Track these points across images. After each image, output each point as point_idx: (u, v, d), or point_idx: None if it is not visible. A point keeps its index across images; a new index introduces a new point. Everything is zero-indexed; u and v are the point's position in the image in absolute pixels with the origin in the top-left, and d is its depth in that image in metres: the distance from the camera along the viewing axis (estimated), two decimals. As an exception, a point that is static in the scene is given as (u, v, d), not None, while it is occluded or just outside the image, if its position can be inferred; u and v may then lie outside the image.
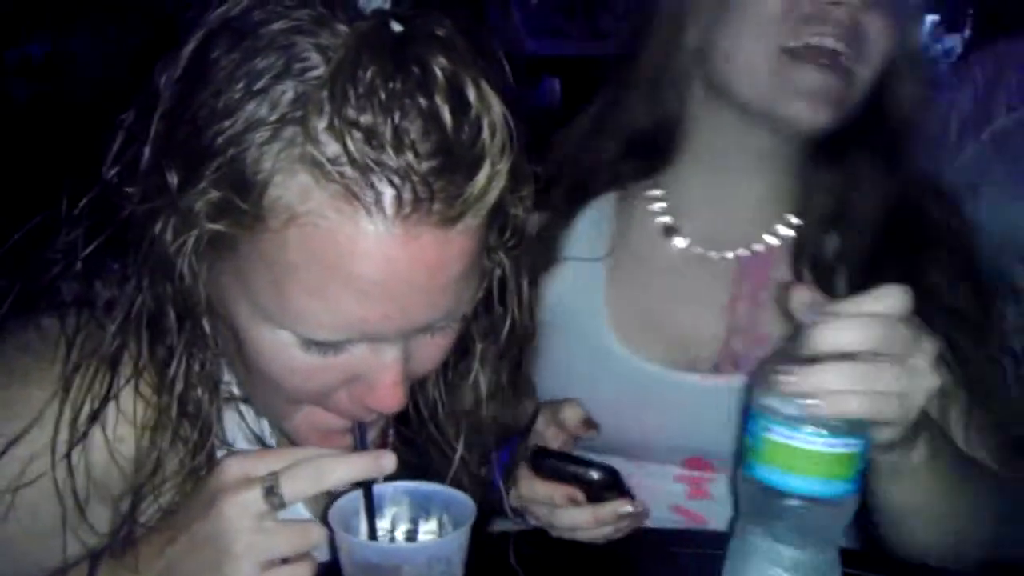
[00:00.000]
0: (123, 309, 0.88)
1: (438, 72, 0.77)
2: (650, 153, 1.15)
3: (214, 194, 0.78)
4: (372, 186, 0.76)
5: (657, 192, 1.18)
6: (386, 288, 0.79)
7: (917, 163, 1.14)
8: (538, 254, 1.15)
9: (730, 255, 1.15)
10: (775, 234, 1.15)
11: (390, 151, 0.75)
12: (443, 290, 0.81)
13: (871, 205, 1.11)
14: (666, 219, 1.16)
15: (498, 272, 0.91)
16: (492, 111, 0.79)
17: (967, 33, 7.76)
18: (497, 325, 0.96)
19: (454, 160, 0.77)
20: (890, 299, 0.85)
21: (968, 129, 1.67)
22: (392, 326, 0.82)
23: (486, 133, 0.78)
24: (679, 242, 1.14)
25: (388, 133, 0.75)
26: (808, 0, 1.05)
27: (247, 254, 0.80)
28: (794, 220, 1.14)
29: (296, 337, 0.83)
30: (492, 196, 0.80)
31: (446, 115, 0.76)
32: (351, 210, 0.76)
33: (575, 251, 1.18)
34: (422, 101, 0.76)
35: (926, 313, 0.98)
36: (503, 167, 0.80)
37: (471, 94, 0.78)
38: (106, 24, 2.37)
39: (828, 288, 1.08)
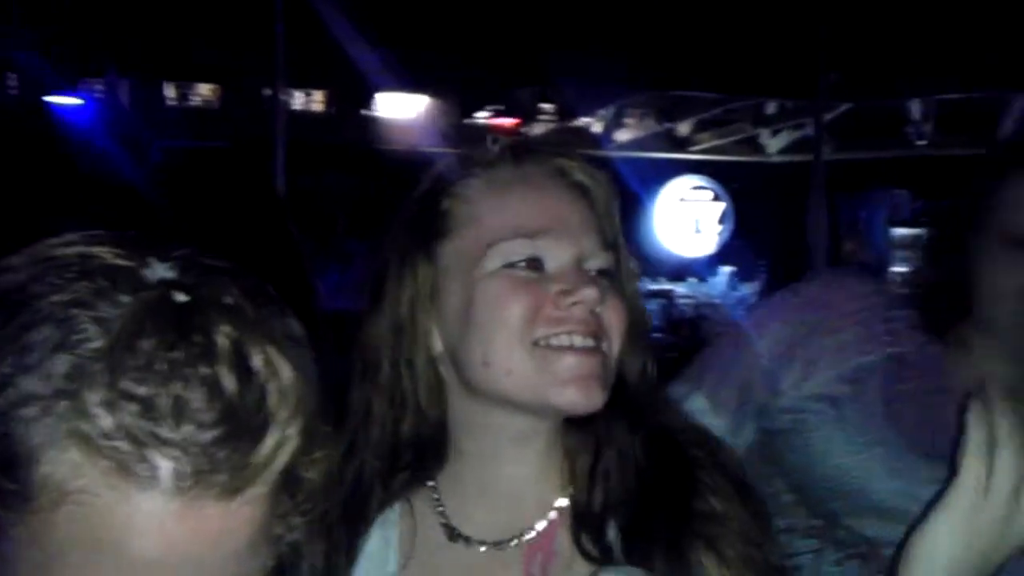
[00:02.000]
0: None
1: (222, 340, 0.74)
2: (419, 461, 1.16)
3: None
4: (148, 460, 0.72)
5: (436, 496, 1.17)
6: (164, 566, 0.75)
7: (661, 415, 1.21)
8: None
9: (514, 543, 1.15)
10: (553, 507, 1.16)
11: (168, 423, 0.72)
12: (226, 561, 0.78)
13: (624, 460, 1.16)
14: (447, 521, 1.17)
15: (290, 537, 0.86)
16: (280, 376, 0.76)
17: (761, 282, 8.21)
18: None
19: (238, 428, 0.74)
20: None
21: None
22: None
23: (273, 399, 0.75)
24: (463, 543, 1.14)
25: (167, 404, 0.72)
26: (550, 305, 1.09)
27: (15, 537, 0.75)
28: (566, 492, 1.17)
29: None
30: (280, 463, 0.77)
31: (229, 383, 0.73)
32: (125, 486, 0.72)
33: (364, 570, 1.17)
34: (204, 370, 0.73)
35: (710, 536, 1.06)
36: (292, 432, 0.76)
37: (257, 361, 0.75)
38: None
39: (602, 545, 1.11)
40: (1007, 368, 1.50)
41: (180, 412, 0.72)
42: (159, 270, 0.77)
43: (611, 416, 1.15)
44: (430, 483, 1.16)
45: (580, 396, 1.08)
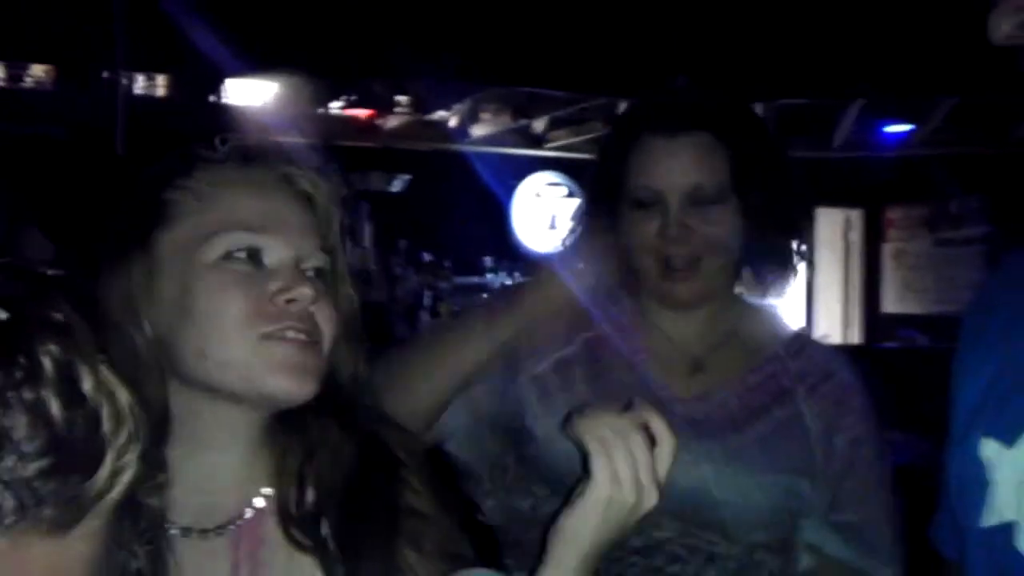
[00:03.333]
0: None
1: (48, 362, 0.67)
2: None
3: None
4: None
5: (161, 479, 1.20)
6: None
7: (370, 416, 1.30)
8: None
9: (219, 531, 1.19)
10: (261, 497, 1.22)
11: None
12: None
13: (335, 459, 1.23)
14: (162, 507, 1.20)
15: (134, 565, 0.80)
16: (115, 399, 0.70)
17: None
18: None
19: (67, 458, 0.67)
20: None
21: None
22: None
23: (107, 425, 0.69)
24: (174, 528, 1.15)
25: None
26: (269, 303, 1.15)
27: None
28: (271, 484, 1.24)
29: None
30: (117, 492, 0.70)
31: (56, 409, 0.66)
32: None
33: None
34: (27, 395, 0.66)
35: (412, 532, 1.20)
36: (130, 459, 0.70)
37: (88, 383, 0.68)
38: None
39: (316, 538, 1.19)
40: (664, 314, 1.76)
41: (0, 443, 0.65)
42: None
43: (323, 415, 1.21)
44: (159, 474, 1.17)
45: (294, 384, 1.14)
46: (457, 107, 8.44)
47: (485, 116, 8.68)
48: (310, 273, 1.19)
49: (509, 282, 8.23)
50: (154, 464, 0.76)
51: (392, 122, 8.43)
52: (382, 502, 1.21)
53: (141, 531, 0.79)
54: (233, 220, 1.16)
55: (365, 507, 1.20)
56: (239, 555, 1.18)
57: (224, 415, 1.19)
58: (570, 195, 8.96)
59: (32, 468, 0.66)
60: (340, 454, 1.22)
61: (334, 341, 1.21)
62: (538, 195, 8.93)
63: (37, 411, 0.66)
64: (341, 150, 8.16)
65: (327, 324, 1.19)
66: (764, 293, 1.83)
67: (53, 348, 0.67)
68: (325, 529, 1.19)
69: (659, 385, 1.73)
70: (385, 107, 8.34)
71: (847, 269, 9.73)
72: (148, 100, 7.66)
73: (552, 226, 8.95)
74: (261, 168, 1.22)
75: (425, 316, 7.07)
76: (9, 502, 0.65)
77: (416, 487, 1.24)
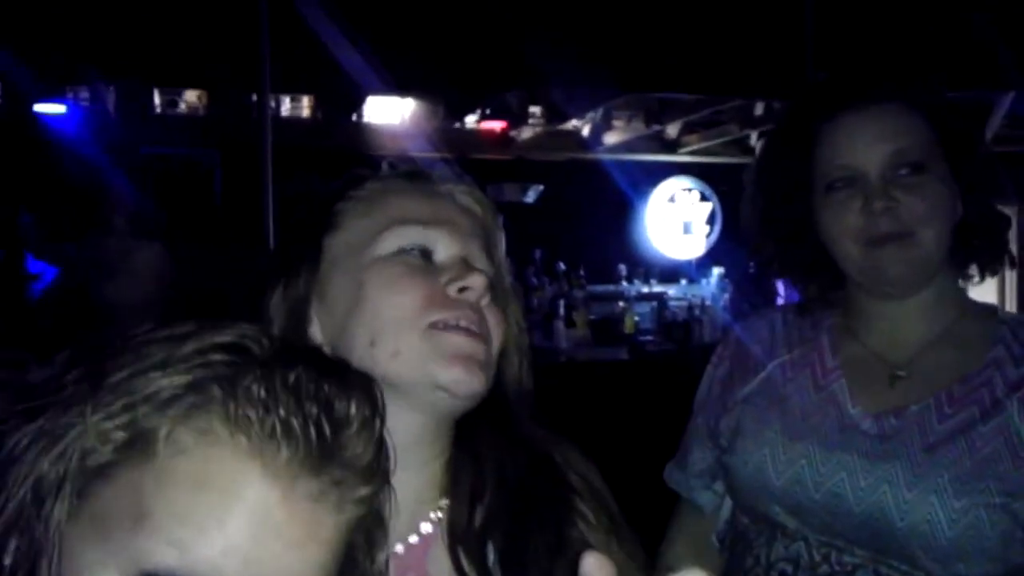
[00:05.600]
0: None
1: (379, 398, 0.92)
2: None
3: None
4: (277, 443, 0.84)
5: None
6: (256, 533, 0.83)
7: (534, 431, 1.24)
8: None
9: (384, 556, 1.14)
10: (428, 522, 1.19)
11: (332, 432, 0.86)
12: (305, 558, 0.85)
13: (502, 476, 1.18)
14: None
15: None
16: (383, 447, 0.92)
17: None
18: None
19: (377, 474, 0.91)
20: None
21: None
22: None
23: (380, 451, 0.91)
24: None
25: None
26: (441, 292, 1.15)
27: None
28: (443, 503, 1.20)
29: None
30: (365, 497, 0.89)
31: (354, 419, 0.89)
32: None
33: None
34: (377, 426, 0.91)
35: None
36: (378, 484, 0.91)
37: (377, 424, 0.91)
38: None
39: (481, 560, 1.13)
40: (867, 304, 1.61)
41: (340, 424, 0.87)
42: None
43: (490, 429, 1.19)
44: None
45: (464, 373, 1.12)
46: (590, 116, 8.46)
47: (618, 123, 8.67)
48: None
49: (644, 289, 8.19)
50: (380, 519, 0.93)
51: (526, 133, 8.52)
52: (550, 530, 1.14)
53: (362, 561, 0.93)
54: (405, 217, 1.18)
55: (531, 534, 1.14)
56: None
57: (396, 421, 1.13)
58: (704, 199, 8.86)
59: (357, 469, 0.87)
60: (506, 471, 1.18)
61: (502, 347, 1.19)
62: (672, 200, 8.87)
63: (374, 441, 0.90)
64: (476, 163, 8.30)
65: (496, 326, 1.18)
66: (977, 277, 1.64)
67: (371, 400, 0.91)
68: (491, 556, 1.14)
69: (848, 403, 1.59)
70: (519, 119, 8.43)
71: (1002, 271, 9.28)
72: (293, 121, 7.98)
73: (687, 231, 8.87)
74: (424, 182, 1.25)
75: (560, 326, 7.09)
76: (300, 454, 0.84)
77: (590, 519, 1.17)
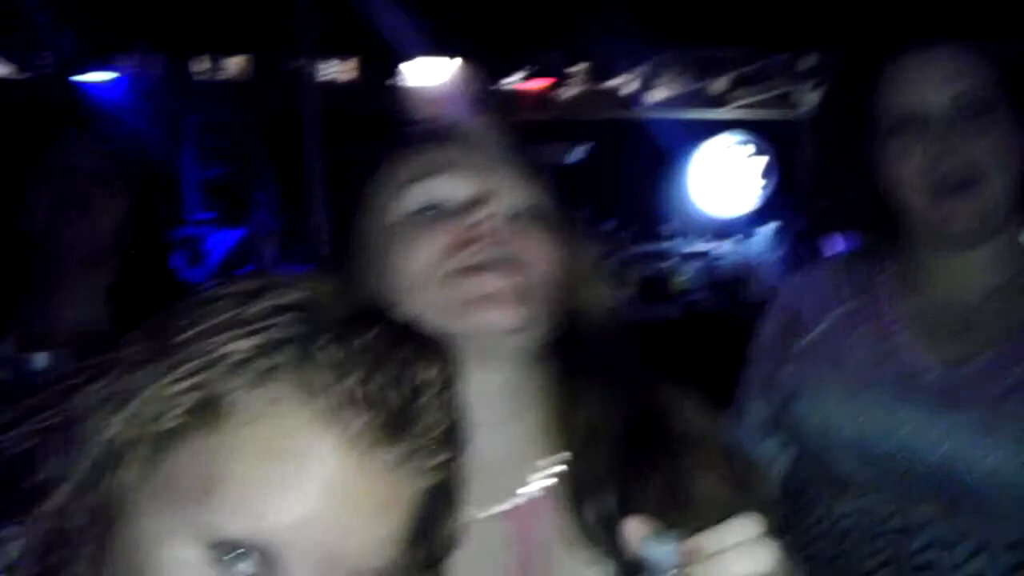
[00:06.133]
0: None
1: (448, 371, 0.92)
2: None
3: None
4: (352, 415, 0.84)
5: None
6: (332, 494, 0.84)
7: (636, 375, 1.18)
8: None
9: (499, 510, 1.14)
10: (535, 476, 1.16)
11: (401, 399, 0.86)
12: (374, 522, 0.86)
13: (603, 427, 1.13)
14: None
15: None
16: (459, 436, 0.94)
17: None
18: None
19: (452, 438, 0.91)
20: (749, 527, 0.85)
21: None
22: None
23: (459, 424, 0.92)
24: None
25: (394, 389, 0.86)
26: (455, 238, 1.11)
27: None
28: (551, 457, 1.16)
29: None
30: (431, 467, 0.89)
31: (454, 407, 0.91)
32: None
33: None
34: (446, 395, 0.91)
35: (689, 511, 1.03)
36: (446, 458, 0.90)
37: (452, 404, 0.92)
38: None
39: (594, 519, 1.09)
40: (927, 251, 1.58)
41: (412, 399, 0.86)
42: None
43: (585, 378, 1.14)
44: None
45: (493, 313, 1.08)
46: (634, 72, 8.36)
47: (662, 80, 8.56)
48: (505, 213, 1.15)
49: (692, 248, 8.11)
50: (453, 507, 0.94)
51: (569, 92, 8.44)
52: (663, 485, 1.09)
53: (427, 556, 0.92)
54: (410, 177, 1.18)
55: (642, 490, 1.09)
56: (522, 538, 1.12)
57: (470, 378, 1.08)
58: (757, 153, 8.73)
59: (433, 435, 0.87)
60: (608, 423, 1.13)
61: (564, 276, 1.15)
62: (723, 156, 8.75)
63: (450, 407, 0.89)
64: (520, 124, 8.22)
65: (536, 248, 1.14)
66: None
67: (445, 364, 0.90)
68: (608, 508, 1.09)
69: (912, 353, 1.56)
70: (561, 77, 8.35)
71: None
72: (335, 86, 7.98)
73: (738, 187, 8.75)
74: (435, 137, 1.24)
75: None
76: (377, 426, 0.83)
77: (711, 472, 1.12)
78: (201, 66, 7.72)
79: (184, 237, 6.45)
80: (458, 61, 7.84)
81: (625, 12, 6.01)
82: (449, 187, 1.16)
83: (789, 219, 8.19)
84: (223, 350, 0.84)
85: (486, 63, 7.96)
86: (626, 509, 1.05)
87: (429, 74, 7.95)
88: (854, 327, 1.64)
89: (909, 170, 1.52)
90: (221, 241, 6.46)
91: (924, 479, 1.47)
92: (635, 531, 0.88)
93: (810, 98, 8.83)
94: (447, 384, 0.89)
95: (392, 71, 7.95)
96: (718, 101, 8.77)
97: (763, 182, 8.73)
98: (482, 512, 1.12)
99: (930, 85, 1.51)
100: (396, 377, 0.84)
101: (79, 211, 2.20)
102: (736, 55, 8.02)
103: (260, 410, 0.82)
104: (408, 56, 7.37)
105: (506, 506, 1.13)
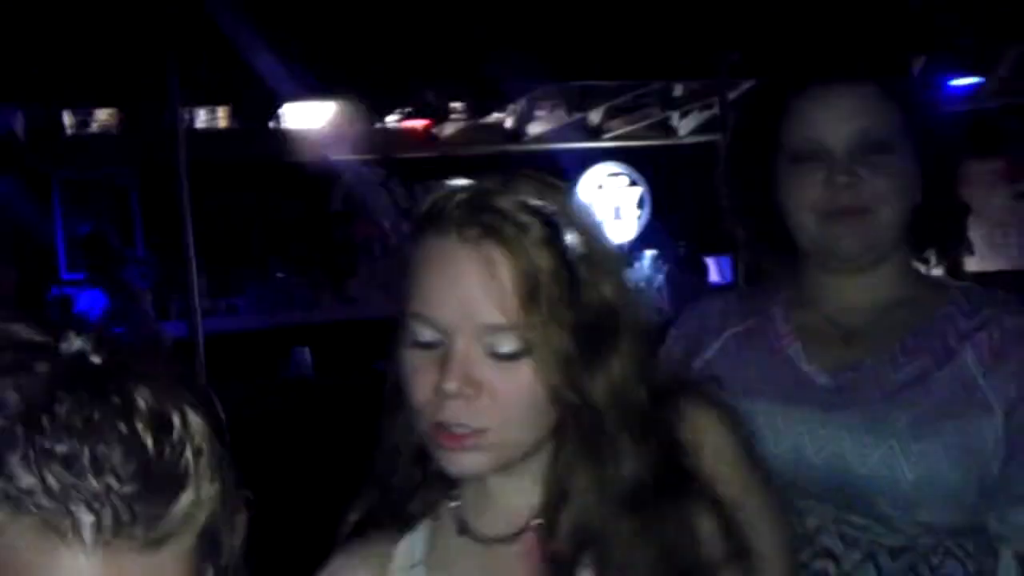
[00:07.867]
0: None
1: (140, 401, 0.79)
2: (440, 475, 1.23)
3: None
4: (70, 513, 0.75)
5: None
6: None
7: (639, 442, 1.17)
8: None
9: (515, 538, 1.20)
10: (528, 529, 1.18)
11: (89, 477, 0.75)
12: None
13: (591, 490, 1.15)
14: (462, 516, 1.24)
15: None
16: (197, 439, 0.81)
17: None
18: None
19: (157, 483, 0.78)
20: None
21: None
22: None
23: (190, 457, 0.80)
24: (471, 536, 1.21)
25: (86, 460, 0.75)
26: (432, 391, 1.12)
27: None
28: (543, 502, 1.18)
29: None
30: (200, 519, 0.80)
31: (147, 440, 0.78)
32: (48, 542, 0.75)
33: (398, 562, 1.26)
34: (122, 427, 0.77)
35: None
36: (210, 492, 0.81)
37: (175, 420, 0.80)
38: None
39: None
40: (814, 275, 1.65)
41: (99, 467, 0.75)
42: (75, 343, 0.80)
43: (577, 444, 1.13)
44: (454, 491, 1.23)
45: (460, 466, 1.13)
46: (512, 108, 8.44)
47: (541, 113, 8.67)
48: (494, 348, 1.10)
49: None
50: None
51: (449, 129, 8.47)
52: (655, 552, 1.10)
53: (222, 570, 0.86)
54: (407, 301, 1.14)
55: (630, 558, 1.10)
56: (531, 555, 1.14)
57: None
58: (632, 184, 8.90)
59: (127, 489, 0.76)
60: (597, 488, 1.12)
61: (516, 416, 1.13)
62: (600, 187, 8.89)
63: (130, 441, 0.77)
64: (400, 162, 8.20)
65: (499, 399, 1.10)
66: (934, 260, 1.68)
67: (144, 391, 0.79)
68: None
69: (802, 362, 1.60)
70: (441, 115, 8.37)
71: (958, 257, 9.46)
72: (206, 134, 7.82)
73: (617, 216, 8.91)
74: (436, 225, 1.15)
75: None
76: (107, 520, 0.75)
77: (710, 547, 1.11)
78: (69, 121, 7.47)
79: (55, 297, 6.20)
80: (337, 103, 7.79)
81: (502, 48, 6.08)
82: (429, 328, 1.15)
83: (666, 246, 8.38)
84: None
85: (365, 103, 7.93)
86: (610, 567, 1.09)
87: (308, 117, 7.87)
88: (749, 342, 1.68)
89: (807, 196, 1.58)
90: (93, 300, 6.22)
91: (817, 480, 1.51)
92: None
93: (683, 125, 9.10)
94: (177, 438, 0.79)
95: (268, 116, 7.84)
96: (596, 132, 8.93)
97: (639, 212, 8.91)
98: (493, 536, 1.18)
99: (837, 120, 1.57)
100: (113, 467, 0.76)
101: None
102: (611, 86, 8.19)
103: None
104: (285, 100, 7.28)
105: (514, 535, 1.18)
